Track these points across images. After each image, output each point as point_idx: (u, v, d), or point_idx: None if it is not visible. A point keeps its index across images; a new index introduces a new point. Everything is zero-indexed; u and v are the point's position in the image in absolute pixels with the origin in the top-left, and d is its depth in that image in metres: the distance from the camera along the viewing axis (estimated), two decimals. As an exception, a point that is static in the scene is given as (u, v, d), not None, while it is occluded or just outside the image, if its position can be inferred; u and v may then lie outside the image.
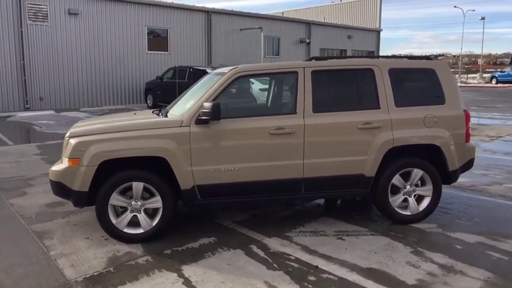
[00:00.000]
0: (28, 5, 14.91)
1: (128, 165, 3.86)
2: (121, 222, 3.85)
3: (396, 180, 4.23)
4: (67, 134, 3.95)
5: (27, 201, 5.21)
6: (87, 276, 3.27)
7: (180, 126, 3.86)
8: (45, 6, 15.33)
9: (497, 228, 4.19)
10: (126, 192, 3.87)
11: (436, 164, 4.32)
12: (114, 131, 3.85)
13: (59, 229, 4.27)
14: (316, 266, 3.40)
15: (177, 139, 3.81)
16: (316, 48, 25.03)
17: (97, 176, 3.79)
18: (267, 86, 4.70)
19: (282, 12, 33.76)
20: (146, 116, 4.34)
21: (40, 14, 15.26)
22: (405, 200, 4.32)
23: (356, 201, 5.17)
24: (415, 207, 4.31)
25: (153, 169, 3.87)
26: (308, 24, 24.63)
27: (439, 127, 4.24)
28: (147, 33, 18.20)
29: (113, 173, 3.82)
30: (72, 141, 3.82)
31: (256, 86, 4.59)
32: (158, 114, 4.26)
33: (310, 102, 4.05)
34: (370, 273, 3.27)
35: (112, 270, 3.37)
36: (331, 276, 3.23)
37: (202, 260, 3.55)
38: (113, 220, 3.84)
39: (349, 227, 4.27)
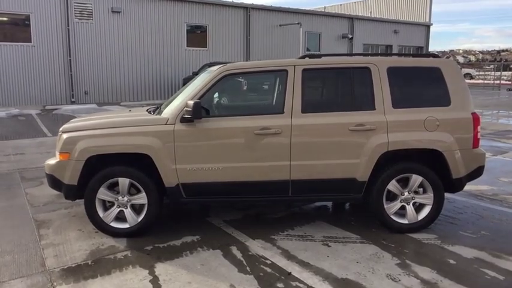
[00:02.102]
0: (75, 4, 15.74)
1: (117, 161, 3.95)
2: (108, 216, 3.95)
3: (392, 186, 3.98)
4: (60, 129, 4.10)
5: (41, 191, 5.50)
6: (65, 267, 3.39)
7: (165, 124, 3.87)
8: (90, 5, 16.10)
9: (504, 244, 3.82)
10: (114, 187, 3.96)
11: (439, 170, 4.02)
12: (102, 128, 3.94)
13: (58, 219, 4.47)
14: (289, 273, 3.28)
15: (162, 137, 3.83)
16: (359, 43, 24.26)
17: (89, 171, 3.91)
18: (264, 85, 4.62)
19: (324, 7, 33.05)
20: (138, 114, 4.40)
21: (85, 12, 16.05)
22: (403, 208, 4.06)
23: (361, 206, 4.94)
24: (413, 216, 4.03)
25: (140, 166, 3.92)
26: (351, 19, 23.90)
27: (442, 131, 3.93)
28: (186, 29, 18.56)
29: (102, 168, 3.92)
30: (64, 136, 3.96)
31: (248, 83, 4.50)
32: (150, 112, 4.31)
33: (299, 102, 3.90)
34: (343, 285, 3.10)
35: (89, 263, 3.46)
36: (301, 285, 3.10)
37: (179, 258, 3.55)
38: (101, 214, 3.94)
39: (340, 232, 4.09)
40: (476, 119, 4.00)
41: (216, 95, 4.79)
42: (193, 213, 4.67)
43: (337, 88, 4.11)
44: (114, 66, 17.05)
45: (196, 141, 3.86)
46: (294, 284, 3.12)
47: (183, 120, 3.83)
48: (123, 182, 3.89)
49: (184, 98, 4.01)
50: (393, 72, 4.00)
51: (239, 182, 3.92)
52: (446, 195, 5.11)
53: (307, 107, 3.91)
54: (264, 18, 20.51)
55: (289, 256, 3.58)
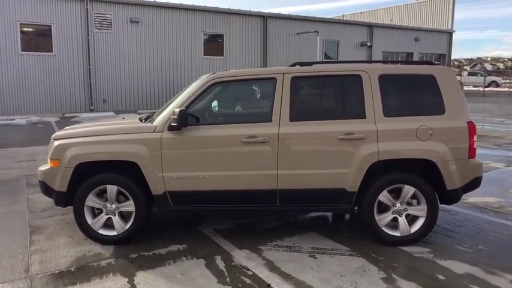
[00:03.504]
0: (95, 15, 16.18)
1: (106, 169, 3.98)
2: (96, 224, 3.97)
3: (384, 197, 3.85)
4: (52, 136, 4.18)
5: (42, 197, 5.49)
6: (47, 273, 3.42)
7: (153, 132, 3.88)
8: (110, 15, 16.52)
9: (501, 260, 3.62)
10: (103, 194, 3.99)
11: (433, 181, 3.87)
12: (91, 135, 3.99)
13: (52, 226, 4.53)
14: (268, 285, 3.21)
15: (149, 145, 3.85)
16: (378, 51, 23.94)
17: (80, 178, 3.95)
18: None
19: (343, 15, 32.82)
20: (128, 122, 4.43)
21: (105, 23, 16.47)
22: (396, 220, 3.92)
23: (357, 217, 4.81)
24: (406, 228, 3.89)
25: (129, 173, 3.94)
26: (370, 26, 23.62)
27: (435, 140, 3.79)
28: (203, 38, 18.78)
29: (92, 175, 3.96)
30: (55, 143, 4.03)
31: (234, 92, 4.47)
32: (142, 120, 4.33)
33: (287, 110, 3.84)
34: (321, 298, 3.01)
35: (72, 270, 3.48)
36: (277, 297, 3.03)
37: (161, 267, 3.53)
38: (89, 221, 3.97)
39: (330, 244, 3.98)
40: (472, 128, 3.84)
41: (215, 103, 4.81)
42: (185, 221, 4.66)
43: (327, 96, 4.03)
44: (132, 75, 17.38)
45: (183, 149, 3.85)
46: (270, 296, 3.05)
47: (171, 128, 3.83)
48: (111, 189, 3.91)
49: (173, 106, 4.02)
50: (385, 80, 3.89)
51: (226, 190, 3.88)
52: (448, 207, 4.96)
53: (296, 115, 3.85)
54: (281, 27, 20.53)
55: (272, 267, 3.50)
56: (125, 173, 3.93)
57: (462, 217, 4.73)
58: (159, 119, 3.96)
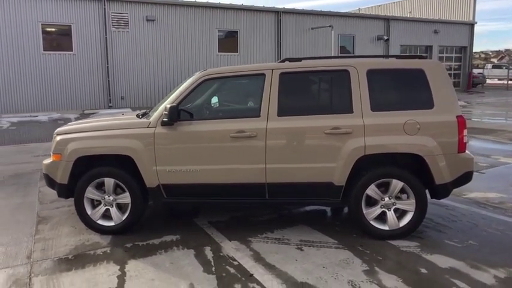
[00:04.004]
0: (112, 14, 16.59)
1: (105, 162, 4.17)
2: (95, 214, 4.17)
3: (371, 191, 3.89)
4: (55, 131, 4.40)
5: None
6: (47, 260, 3.64)
7: (147, 127, 4.04)
8: (126, 14, 16.88)
9: (489, 255, 3.61)
10: (102, 187, 4.19)
11: (422, 176, 3.88)
12: (90, 131, 4.19)
13: (58, 216, 4.78)
14: (251, 275, 3.32)
15: (143, 139, 4.01)
16: (396, 44, 23.50)
17: (82, 171, 4.16)
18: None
19: (359, 9, 32.30)
20: (126, 118, 4.61)
21: (122, 22, 16.86)
22: (385, 214, 3.96)
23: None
24: (395, 222, 3.92)
25: (125, 167, 4.11)
26: (387, 19, 23.21)
27: (423, 135, 3.79)
28: (218, 35, 18.94)
29: (91, 169, 4.16)
30: (57, 138, 4.25)
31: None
32: (139, 116, 4.50)
33: (275, 106, 3.92)
34: (299, 288, 3.10)
35: (70, 258, 3.69)
36: (257, 287, 3.13)
37: (152, 256, 3.69)
38: (89, 212, 4.18)
39: (319, 237, 4.05)
40: (461, 123, 3.82)
41: (215, 99, 4.94)
42: (181, 214, 4.81)
43: (315, 91, 4.09)
44: (148, 72, 17.73)
45: (175, 143, 4.00)
46: (251, 285, 3.15)
47: (163, 123, 3.98)
48: (109, 182, 4.10)
49: (167, 102, 4.16)
50: (373, 75, 3.92)
51: (217, 184, 4.01)
52: (446, 202, 4.94)
53: (284, 111, 3.93)
54: (296, 22, 20.46)
55: (258, 258, 3.61)
56: (121, 166, 4.11)
57: (459, 212, 4.70)
58: (154, 115, 4.12)
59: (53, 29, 16.06)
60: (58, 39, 16.20)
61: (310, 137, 3.88)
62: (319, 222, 4.46)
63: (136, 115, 4.49)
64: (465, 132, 3.84)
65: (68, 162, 4.11)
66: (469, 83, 27.60)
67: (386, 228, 3.93)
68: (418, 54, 4.40)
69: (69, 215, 4.82)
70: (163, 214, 4.85)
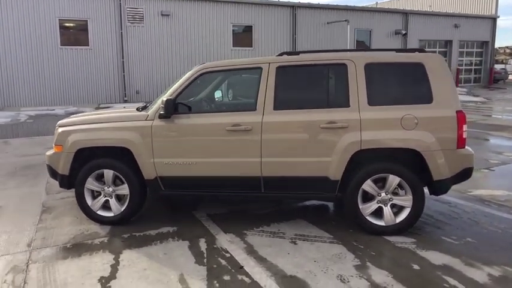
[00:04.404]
0: (127, 9, 16.79)
1: (105, 154, 4.24)
2: (95, 205, 4.26)
3: (368, 186, 3.85)
4: (57, 124, 4.50)
5: None
6: (46, 248, 3.74)
7: (145, 120, 4.10)
8: (142, 9, 17.07)
9: (486, 252, 3.53)
10: (101, 178, 4.27)
11: (420, 172, 3.81)
12: (91, 123, 4.27)
13: (62, 206, 4.90)
14: (241, 267, 3.34)
15: (141, 132, 4.06)
16: (414, 39, 23.06)
17: (82, 162, 4.25)
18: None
19: (376, 3, 31.70)
20: (125, 110, 4.68)
21: (137, 16, 17.05)
22: (381, 209, 3.91)
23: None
24: (391, 218, 3.87)
25: (124, 159, 4.18)
26: (405, 14, 22.77)
27: (421, 130, 3.73)
28: (232, 29, 18.96)
29: (91, 160, 4.25)
30: (59, 130, 4.35)
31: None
32: (139, 109, 4.55)
33: (271, 99, 3.91)
34: (287, 282, 3.09)
35: (68, 246, 3.78)
36: (246, 279, 3.15)
37: (147, 246, 3.76)
38: (89, 202, 4.27)
39: (315, 231, 4.03)
40: (461, 118, 3.74)
41: (219, 94, 4.97)
42: (182, 206, 4.87)
43: (312, 85, 4.05)
44: (163, 67, 17.91)
45: (172, 136, 4.04)
46: (240, 277, 3.18)
47: (161, 116, 4.03)
48: (108, 173, 4.18)
49: (165, 95, 4.21)
50: (371, 69, 3.86)
51: (213, 176, 4.04)
52: (449, 199, 4.86)
53: (280, 104, 3.91)
54: (311, 16, 20.30)
55: (250, 251, 3.62)
56: (120, 158, 4.17)
57: (461, 209, 4.61)
58: (152, 108, 4.17)
59: (70, 24, 16.38)
60: (75, 34, 16.51)
61: (306, 131, 3.86)
62: (317, 217, 4.45)
63: (137, 108, 4.55)
64: (465, 127, 3.76)
65: (68, 154, 4.20)
66: (490, 79, 26.89)
67: (382, 223, 3.89)
68: (417, 48, 4.26)
69: (72, 205, 4.93)
70: (164, 206, 4.91)
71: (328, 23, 20.44)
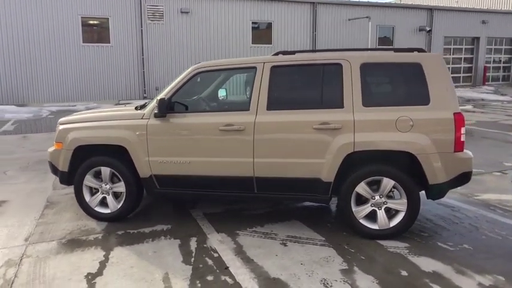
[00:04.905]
0: (148, 7, 17.03)
1: (103, 152, 4.32)
2: (93, 202, 4.35)
3: (361, 189, 3.77)
4: (58, 121, 4.61)
5: None
6: (42, 243, 3.85)
7: (141, 119, 4.14)
8: (162, 7, 17.27)
9: (480, 260, 3.40)
10: (99, 175, 4.35)
11: (417, 175, 3.70)
12: (89, 121, 4.36)
13: (64, 202, 5.03)
14: (226, 267, 3.34)
15: (137, 130, 4.11)
16: (439, 36, 22.38)
17: (81, 160, 4.34)
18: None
19: (400, -1, 30.98)
20: (124, 109, 4.74)
21: (157, 14, 17.27)
22: (375, 213, 3.82)
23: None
24: (385, 222, 3.78)
25: (121, 157, 4.24)
26: (429, 9, 22.11)
27: (416, 132, 3.61)
28: (252, 27, 18.93)
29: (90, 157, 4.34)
30: (59, 127, 4.46)
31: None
32: (137, 108, 4.61)
33: (265, 99, 3.88)
34: (269, 285, 3.07)
35: (63, 242, 3.88)
36: (229, 280, 3.15)
37: (138, 244, 3.80)
38: (87, 199, 4.36)
39: (307, 233, 3.99)
40: (459, 120, 3.60)
41: (224, 92, 4.97)
42: (181, 204, 4.90)
43: (306, 85, 3.99)
44: (182, 64, 18.05)
45: (166, 135, 4.07)
46: (223, 278, 3.18)
47: (156, 115, 4.06)
48: (105, 171, 4.25)
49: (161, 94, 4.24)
50: (367, 69, 3.77)
51: (206, 176, 4.05)
52: (453, 203, 4.73)
53: (273, 104, 3.88)
54: (332, 13, 20.02)
55: (239, 251, 3.62)
56: (117, 156, 4.24)
57: (463, 214, 4.46)
58: (148, 107, 4.21)
59: (92, 22, 16.74)
60: (96, 31, 16.88)
61: (299, 131, 3.81)
62: (314, 219, 4.39)
63: (135, 107, 4.61)
64: (463, 130, 3.62)
65: (68, 151, 4.30)
66: (520, 77, 25.81)
67: (376, 227, 3.80)
68: (416, 47, 4.12)
69: (74, 201, 4.97)
70: (163, 204, 4.96)
71: (349, 20, 20.10)
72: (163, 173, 4.12)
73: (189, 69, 4.16)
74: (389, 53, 3.94)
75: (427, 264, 3.34)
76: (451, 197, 4.96)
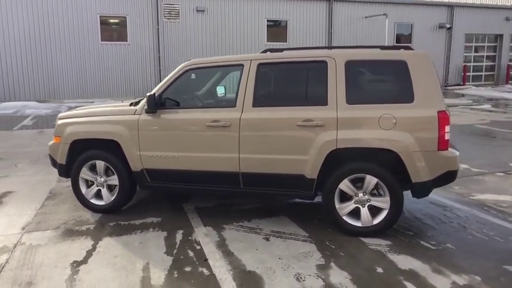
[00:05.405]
0: (164, 5, 17.31)
1: (100, 146, 4.47)
2: (88, 193, 4.52)
3: (345, 186, 3.78)
4: (58, 116, 4.80)
5: None
6: (37, 232, 4.03)
7: (133, 114, 4.28)
8: (178, 5, 17.52)
9: (460, 260, 3.37)
10: (95, 168, 4.51)
11: (400, 173, 3.69)
12: (85, 116, 4.52)
13: (65, 194, 5.22)
14: (206, 260, 3.42)
15: (129, 125, 4.25)
16: (460, 33, 21.83)
17: (79, 153, 4.52)
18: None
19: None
20: (118, 105, 4.89)
21: (173, 12, 17.53)
22: (359, 210, 3.84)
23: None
24: (368, 219, 3.79)
25: (115, 151, 4.38)
26: (450, 6, 21.59)
27: (399, 130, 3.60)
28: (267, 24, 18.97)
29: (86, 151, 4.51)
30: (58, 122, 4.65)
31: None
32: (133, 104, 4.74)
33: (250, 96, 3.94)
34: (244, 277, 3.14)
35: (56, 231, 4.05)
36: (206, 271, 3.23)
37: (126, 235, 3.94)
38: (83, 190, 4.53)
39: (292, 229, 4.03)
40: (443, 118, 3.57)
41: (222, 90, 5.06)
42: (176, 198, 5.02)
43: (291, 82, 4.03)
44: (197, 62, 18.27)
45: (156, 130, 4.19)
46: (200, 269, 3.27)
47: (147, 111, 4.19)
48: (100, 164, 4.41)
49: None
50: (352, 66, 3.78)
51: (194, 171, 4.14)
52: (446, 202, 4.68)
53: (259, 101, 3.94)
54: (348, 11, 19.83)
55: (221, 245, 3.70)
56: (111, 150, 4.39)
57: (454, 214, 4.40)
58: (141, 103, 4.34)
59: (110, 21, 17.15)
60: (114, 30, 17.28)
61: (283, 128, 3.85)
62: (301, 215, 4.42)
63: (130, 103, 4.75)
64: (447, 128, 3.58)
65: (65, 145, 4.48)
66: (546, 76, 24.86)
67: (359, 224, 3.81)
68: (404, 45, 4.10)
69: (75, 193, 5.24)
70: (159, 198, 5.09)
71: (366, 17, 19.87)
72: (154, 167, 4.24)
73: (179, 67, 4.26)
74: (375, 51, 3.93)
75: (405, 262, 3.34)
76: (446, 196, 4.91)
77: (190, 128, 4.09)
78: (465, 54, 22.88)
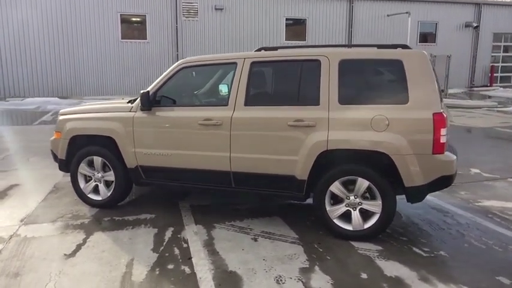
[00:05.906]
0: (183, 4, 17.48)
1: (98, 142, 4.54)
2: (86, 188, 4.60)
3: (336, 188, 3.70)
4: (59, 112, 4.91)
5: None
6: (34, 224, 4.13)
7: (129, 112, 4.32)
8: (196, 4, 17.65)
9: (452, 268, 3.24)
10: (93, 164, 4.58)
11: (393, 177, 3.58)
12: (84, 113, 4.61)
13: (68, 188, 5.29)
14: (189, 258, 3.42)
15: (124, 122, 4.29)
16: (487, 32, 21.08)
17: (78, 149, 4.60)
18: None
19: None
20: (116, 102, 4.95)
21: (192, 11, 17.68)
22: (350, 213, 3.74)
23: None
24: (359, 223, 3.69)
25: (112, 148, 4.44)
26: (477, 4, 20.85)
27: (392, 131, 3.49)
28: (285, 23, 18.85)
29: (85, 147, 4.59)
30: (60, 118, 4.75)
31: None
32: (131, 101, 4.77)
33: (243, 95, 3.91)
34: (223, 277, 3.12)
35: (52, 224, 4.14)
36: (187, 270, 3.22)
37: (118, 231, 3.98)
38: (81, 185, 4.62)
39: (283, 230, 3.98)
40: (439, 120, 3.42)
41: (226, 88, 5.06)
42: (171, 196, 5.03)
43: (284, 82, 3.97)
44: (216, 60, 18.35)
45: (150, 128, 4.22)
46: (182, 267, 3.26)
47: (142, 108, 4.22)
48: (97, 160, 4.48)
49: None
50: (346, 66, 3.68)
51: (186, 169, 4.15)
52: (449, 208, 4.53)
53: (251, 100, 3.90)
54: (369, 9, 19.47)
55: (208, 244, 3.69)
56: (107, 147, 4.45)
57: (455, 220, 4.24)
58: (137, 100, 4.38)
59: (130, 19, 17.46)
60: (134, 28, 17.58)
61: (274, 128, 3.80)
62: (295, 216, 4.35)
63: (128, 101, 4.80)
64: (443, 131, 3.44)
65: (65, 140, 4.58)
66: None
67: (350, 228, 3.72)
68: (400, 44, 3.93)
69: (78, 187, 5.35)
70: (157, 194, 5.13)
71: (388, 16, 19.45)
72: (148, 164, 4.27)
73: (174, 65, 4.28)
74: (371, 50, 3.82)
75: (392, 269, 3.23)
76: (449, 202, 4.75)
77: (183, 126, 4.10)
78: (493, 54, 22.08)
